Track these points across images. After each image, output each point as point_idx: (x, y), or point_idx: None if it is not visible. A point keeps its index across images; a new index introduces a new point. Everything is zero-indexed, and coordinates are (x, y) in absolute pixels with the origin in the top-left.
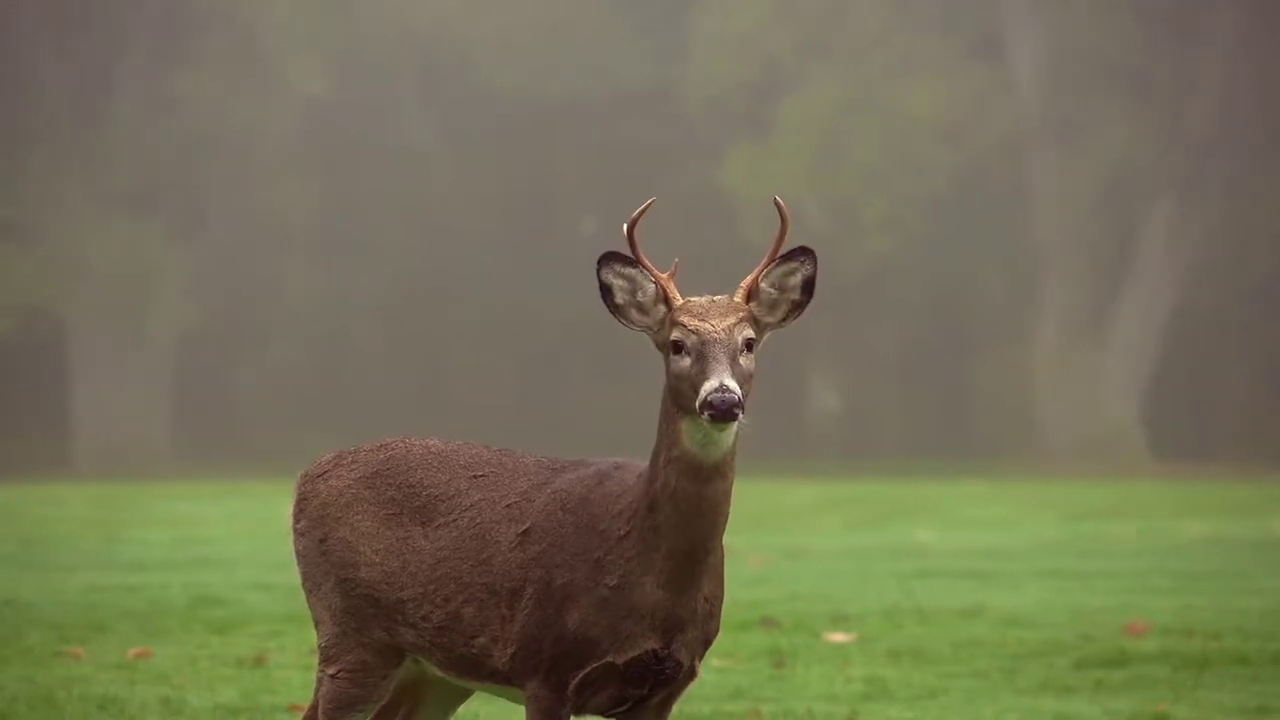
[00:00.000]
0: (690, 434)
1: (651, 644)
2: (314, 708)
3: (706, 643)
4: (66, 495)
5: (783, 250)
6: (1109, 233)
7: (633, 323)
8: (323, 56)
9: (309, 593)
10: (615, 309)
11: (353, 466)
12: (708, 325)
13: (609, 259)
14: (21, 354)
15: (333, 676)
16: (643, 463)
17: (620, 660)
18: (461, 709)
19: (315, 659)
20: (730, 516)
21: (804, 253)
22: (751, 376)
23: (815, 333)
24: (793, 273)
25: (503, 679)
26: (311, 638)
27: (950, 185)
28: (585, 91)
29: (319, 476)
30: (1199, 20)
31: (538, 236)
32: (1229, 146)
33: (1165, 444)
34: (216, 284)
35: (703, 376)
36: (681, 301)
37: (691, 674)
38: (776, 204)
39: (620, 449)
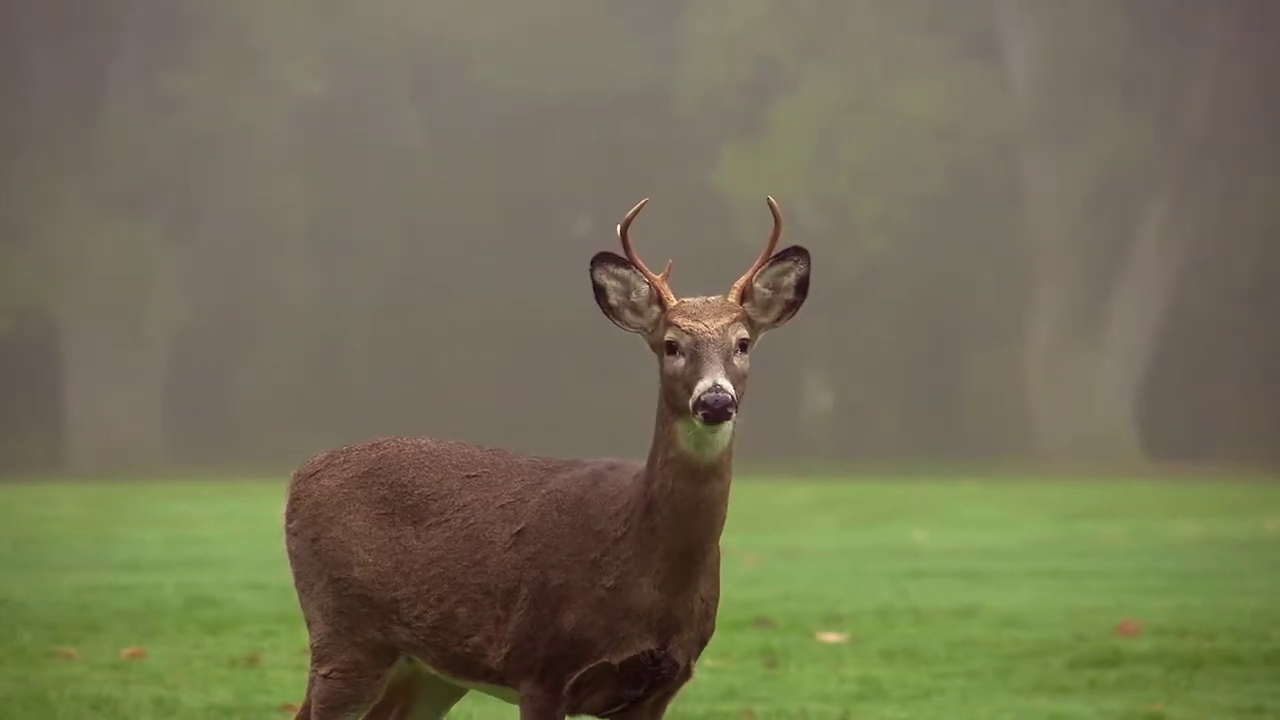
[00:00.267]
0: (686, 435)
1: (648, 645)
2: (306, 708)
3: (702, 643)
4: (61, 495)
5: (776, 250)
6: (1103, 233)
7: (626, 324)
8: (318, 57)
9: (301, 592)
10: (609, 310)
11: (345, 466)
12: (701, 325)
13: (602, 260)
14: (16, 354)
15: (325, 676)
16: (638, 463)
17: (616, 661)
18: (455, 708)
19: (308, 659)
20: (727, 517)
21: (798, 252)
22: (746, 376)
23: (809, 333)
24: (786, 272)
25: (497, 678)
26: (305, 637)
27: (944, 185)
28: (580, 92)
29: (311, 476)
30: (1193, 20)
31: (533, 237)
32: (1223, 147)
33: (1159, 444)
34: (212, 284)
35: (696, 376)
36: (676, 302)
37: (687, 674)
38: (770, 204)
39: (617, 449)
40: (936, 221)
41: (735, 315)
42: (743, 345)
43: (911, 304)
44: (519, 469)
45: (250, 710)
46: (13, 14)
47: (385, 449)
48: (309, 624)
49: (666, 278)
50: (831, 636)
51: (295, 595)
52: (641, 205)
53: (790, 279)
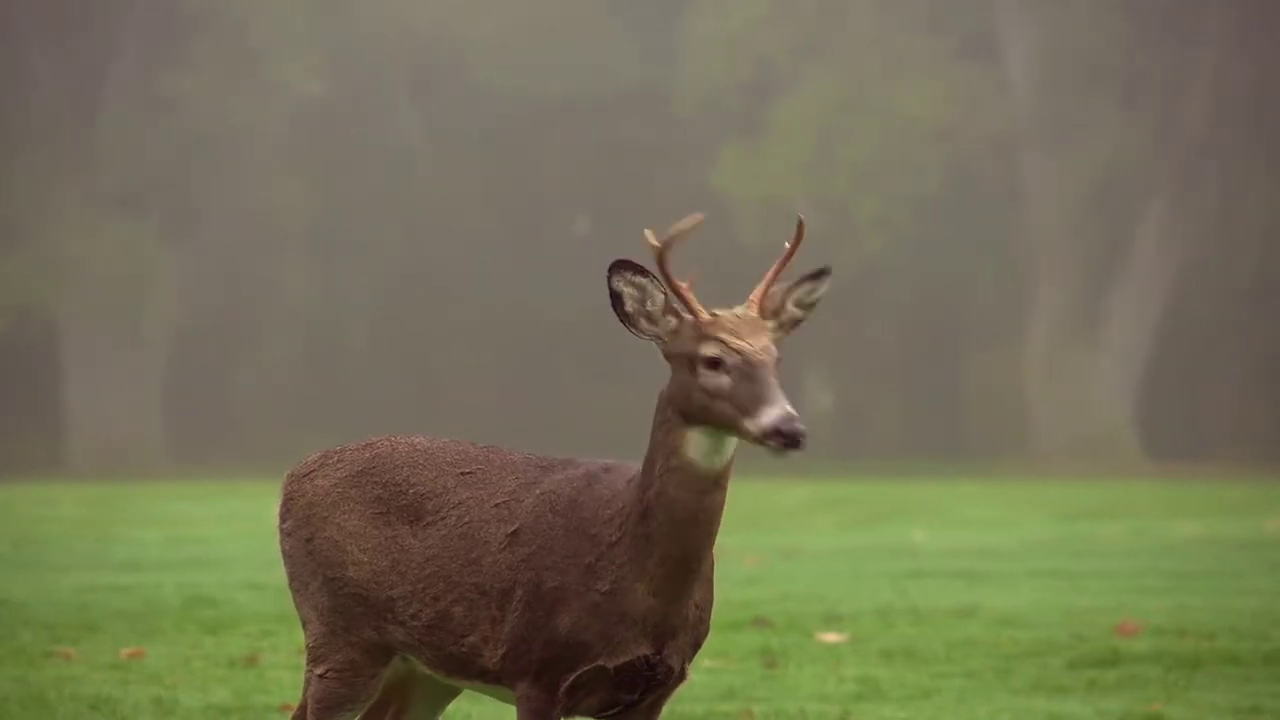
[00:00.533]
0: (696, 445)
1: (643, 650)
2: (303, 708)
3: (696, 646)
4: (60, 495)
5: (789, 264)
6: (1101, 233)
7: (641, 331)
8: (318, 57)
9: (296, 593)
10: (624, 317)
11: (339, 466)
12: (749, 345)
13: (620, 267)
14: (15, 354)
15: (321, 676)
16: (633, 465)
17: (611, 665)
18: (452, 708)
19: (304, 659)
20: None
21: (826, 271)
22: None
23: (809, 333)
24: (813, 291)
25: (492, 678)
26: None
27: (944, 185)
28: (579, 92)
29: (305, 476)
30: (1193, 20)
31: (532, 236)
32: (1221, 147)
33: (1158, 444)
34: (210, 284)
35: (758, 401)
36: (710, 316)
37: (681, 677)
38: (799, 220)
39: (617, 448)
40: (936, 221)
41: (768, 332)
42: (777, 363)
43: (911, 304)
44: (513, 466)
45: (249, 710)
46: (13, 14)
47: (379, 448)
48: (304, 624)
49: (691, 288)
50: (831, 636)
51: (290, 596)
52: (696, 223)
53: (815, 297)
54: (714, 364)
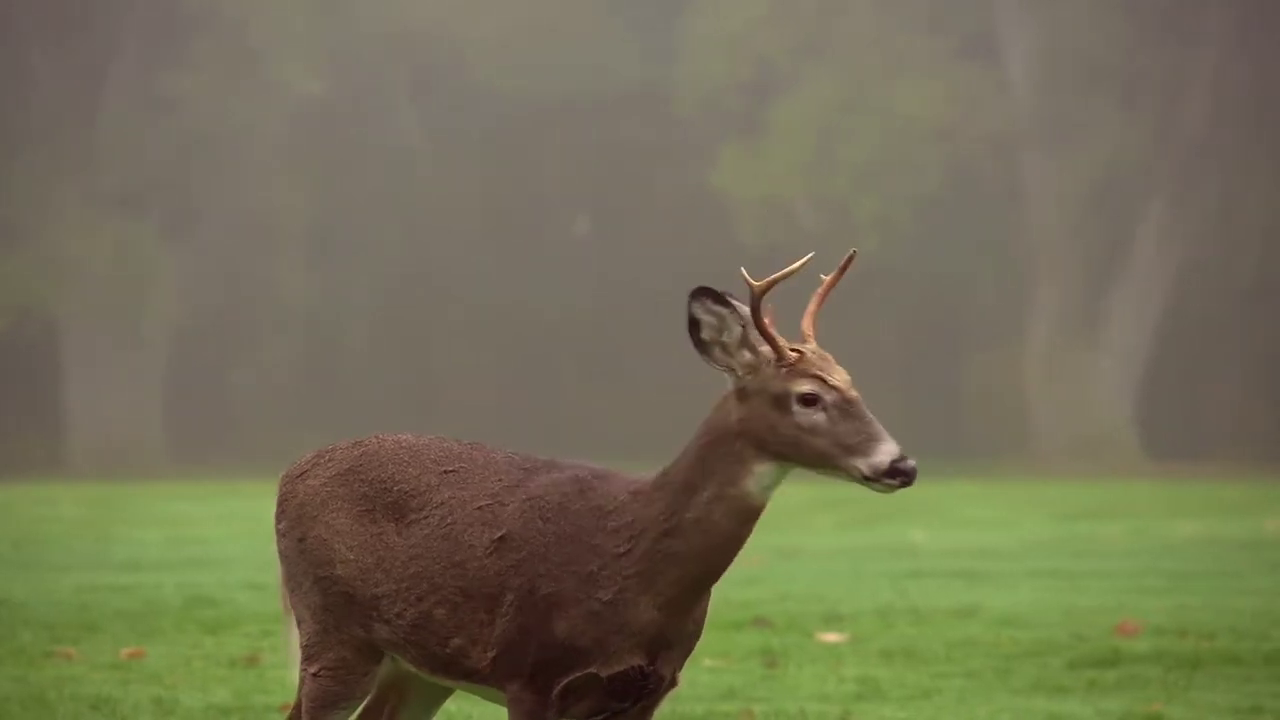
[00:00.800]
0: (759, 478)
1: (637, 660)
2: (298, 707)
3: (687, 655)
4: (60, 495)
5: (831, 291)
6: (1101, 232)
7: (714, 360)
8: (318, 57)
9: (291, 592)
10: (700, 344)
11: (329, 465)
12: (840, 381)
13: (702, 294)
14: (15, 354)
15: (314, 675)
16: (626, 474)
17: (605, 674)
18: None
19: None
20: None
21: (852, 256)
22: None
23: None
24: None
25: (480, 679)
26: None
27: (943, 185)
28: (579, 92)
29: (298, 477)
30: (1193, 20)
31: (531, 237)
32: (1221, 146)
33: (1158, 444)
34: (210, 284)
35: (868, 439)
36: (796, 352)
37: (672, 684)
38: (849, 257)
39: (616, 448)
40: (936, 221)
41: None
42: None
43: (910, 304)
44: (495, 466)
45: (249, 710)
46: (13, 14)
47: (367, 446)
48: (298, 623)
49: (771, 324)
50: (831, 636)
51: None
52: (805, 261)
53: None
54: (810, 401)
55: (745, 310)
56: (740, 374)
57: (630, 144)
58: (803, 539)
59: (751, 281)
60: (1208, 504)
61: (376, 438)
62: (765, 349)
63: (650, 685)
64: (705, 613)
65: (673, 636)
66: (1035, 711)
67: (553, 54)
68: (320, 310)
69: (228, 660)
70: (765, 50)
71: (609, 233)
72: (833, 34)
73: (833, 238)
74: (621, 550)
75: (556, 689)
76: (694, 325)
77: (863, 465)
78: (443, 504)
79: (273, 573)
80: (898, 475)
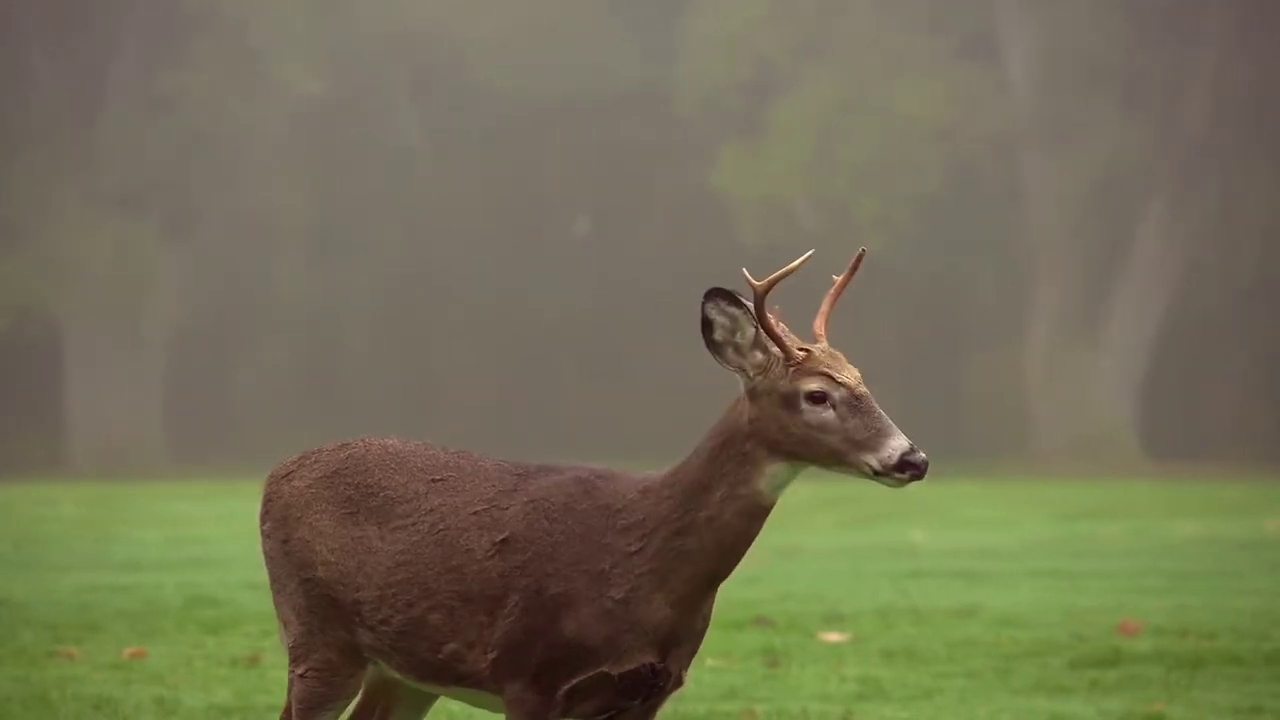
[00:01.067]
0: (771, 477)
1: (648, 657)
2: (288, 708)
3: (694, 653)
4: (60, 495)
5: (843, 291)
6: (1102, 232)
7: (727, 361)
8: (318, 57)
9: (276, 593)
10: (712, 344)
11: (314, 466)
12: (850, 379)
13: (715, 295)
14: (15, 354)
15: (301, 676)
16: (632, 474)
17: (616, 672)
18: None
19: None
20: None
21: (862, 254)
22: None
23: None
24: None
25: (475, 682)
26: None
27: (944, 185)
28: (578, 92)
29: (283, 477)
30: (1193, 20)
31: (532, 236)
32: (1221, 146)
33: (1158, 444)
34: (210, 284)
35: (878, 434)
36: (803, 351)
37: (679, 683)
38: (859, 255)
39: (614, 447)
40: (936, 221)
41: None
42: None
43: (910, 304)
44: (485, 473)
45: (250, 710)
46: (13, 14)
47: (353, 449)
48: (285, 625)
49: (778, 324)
50: (832, 636)
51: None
52: (804, 259)
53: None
54: (819, 399)
55: None
56: (752, 375)
57: (630, 144)
58: (803, 538)
59: (753, 281)
60: (1208, 504)
61: (363, 441)
62: (776, 349)
63: (660, 682)
64: (712, 609)
65: (683, 633)
66: (1036, 711)
67: (553, 54)
68: (320, 310)
69: (229, 660)
70: (765, 50)
71: (609, 233)
72: (833, 34)
73: (833, 238)
74: (633, 548)
75: (563, 689)
76: (707, 326)
77: (873, 460)
78: (432, 511)
79: None
80: (908, 469)
